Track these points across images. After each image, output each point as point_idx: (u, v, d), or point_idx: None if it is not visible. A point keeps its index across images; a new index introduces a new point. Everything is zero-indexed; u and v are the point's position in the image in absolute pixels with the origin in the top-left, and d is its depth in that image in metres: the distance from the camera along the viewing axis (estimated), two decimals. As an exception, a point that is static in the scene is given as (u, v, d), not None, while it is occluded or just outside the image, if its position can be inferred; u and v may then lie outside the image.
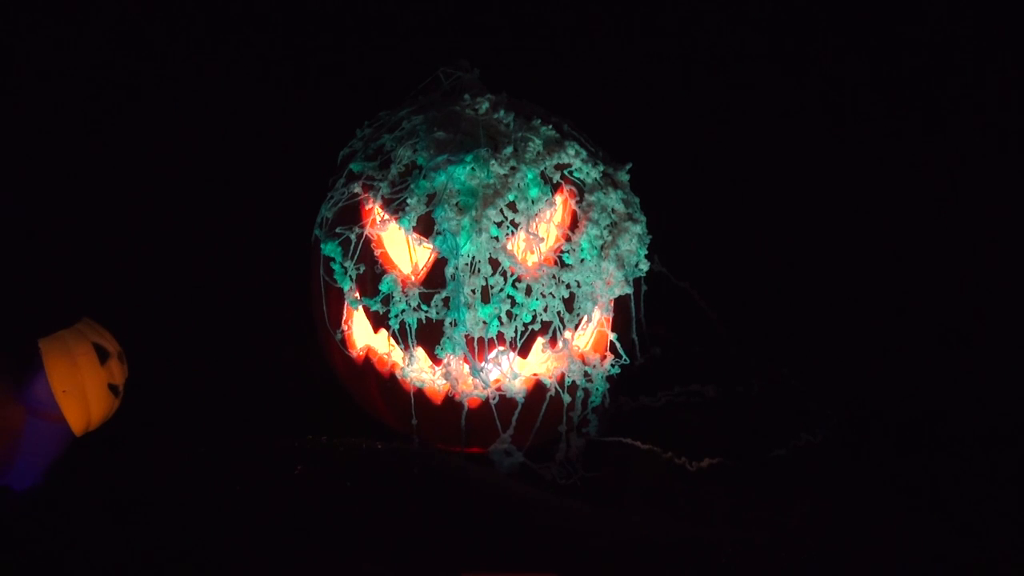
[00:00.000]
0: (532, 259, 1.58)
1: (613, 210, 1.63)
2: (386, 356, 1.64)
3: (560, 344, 1.59)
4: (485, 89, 1.68)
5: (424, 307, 1.56)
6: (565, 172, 1.62)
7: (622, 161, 1.71)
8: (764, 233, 2.12)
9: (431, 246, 1.56)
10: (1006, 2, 1.96)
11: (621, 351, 1.66)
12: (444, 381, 1.60)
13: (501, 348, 1.57)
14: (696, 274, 1.95)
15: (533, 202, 1.56)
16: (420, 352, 1.59)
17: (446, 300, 1.55)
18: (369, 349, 1.65)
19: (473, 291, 1.54)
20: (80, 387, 1.48)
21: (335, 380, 1.74)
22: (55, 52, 2.03)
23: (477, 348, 1.56)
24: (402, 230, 1.58)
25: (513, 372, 1.59)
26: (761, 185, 2.13)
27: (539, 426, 1.63)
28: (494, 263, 1.54)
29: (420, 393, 1.62)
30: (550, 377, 1.61)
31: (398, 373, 1.62)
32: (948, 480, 1.63)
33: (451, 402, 1.61)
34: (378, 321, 1.59)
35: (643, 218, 1.67)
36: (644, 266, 1.67)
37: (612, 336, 1.65)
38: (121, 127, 2.09)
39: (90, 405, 1.50)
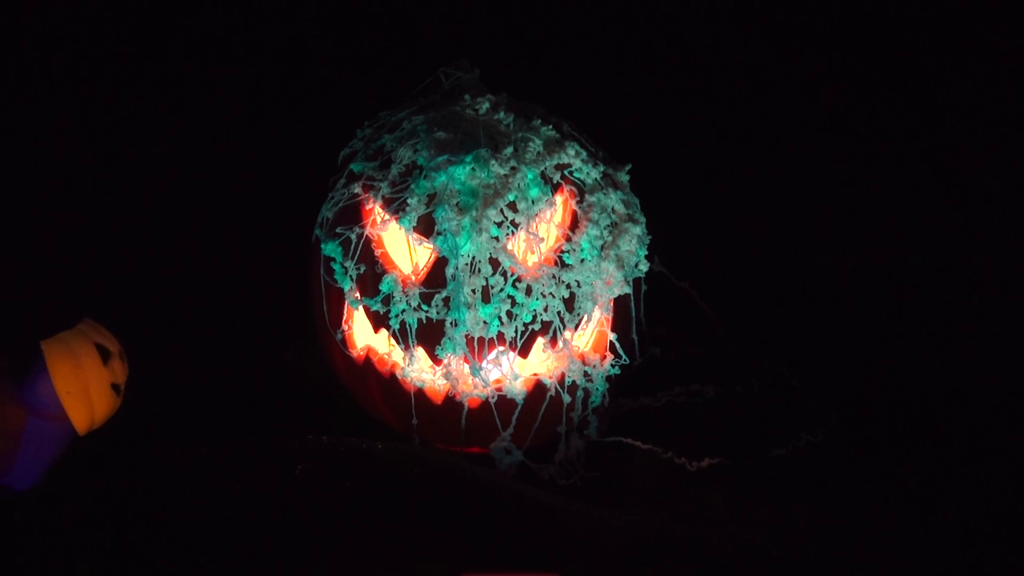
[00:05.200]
0: (532, 259, 1.58)
1: (613, 210, 1.63)
2: (386, 356, 1.64)
3: (560, 344, 1.60)
4: (485, 89, 1.69)
5: (424, 307, 1.56)
6: (565, 172, 1.62)
7: (622, 161, 1.71)
8: (764, 233, 2.12)
9: (431, 246, 1.56)
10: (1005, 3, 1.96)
11: (621, 351, 1.67)
12: (444, 381, 1.60)
13: (501, 348, 1.58)
14: (696, 274, 1.95)
15: (533, 202, 1.56)
16: (420, 352, 1.59)
17: (446, 300, 1.55)
18: (369, 349, 1.65)
19: (473, 291, 1.54)
20: (84, 388, 1.48)
21: (335, 380, 1.74)
22: (56, 52, 2.03)
23: (477, 348, 1.56)
24: (402, 230, 1.58)
25: (513, 373, 1.59)
26: (761, 185, 2.13)
27: (539, 426, 1.63)
28: (494, 263, 1.55)
29: (420, 393, 1.62)
30: (550, 377, 1.61)
31: (398, 373, 1.62)
32: (948, 480, 1.63)
33: (451, 402, 1.61)
34: (378, 321, 1.59)
35: (643, 219, 1.67)
36: (644, 266, 1.67)
37: (612, 336, 1.66)
38: (122, 127, 2.09)
39: (94, 405, 1.50)
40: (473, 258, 1.54)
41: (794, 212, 2.11)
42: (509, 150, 1.57)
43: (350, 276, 1.61)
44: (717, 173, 2.15)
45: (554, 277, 1.57)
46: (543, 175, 1.59)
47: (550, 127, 1.64)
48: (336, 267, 1.62)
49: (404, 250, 1.60)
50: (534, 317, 1.57)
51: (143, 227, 2.08)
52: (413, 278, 1.58)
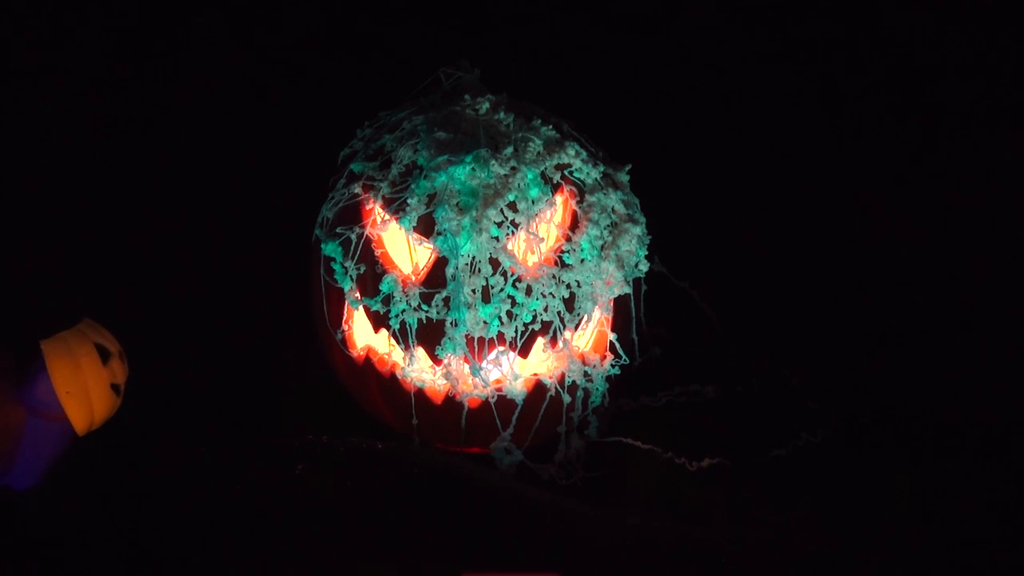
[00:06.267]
0: (532, 259, 1.58)
1: (613, 210, 1.63)
2: (386, 356, 1.64)
3: (560, 344, 1.60)
4: (485, 89, 1.69)
5: (424, 307, 1.56)
6: (565, 172, 1.62)
7: (622, 161, 1.71)
8: (764, 233, 2.12)
9: (431, 246, 1.56)
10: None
11: (621, 351, 1.67)
12: (444, 381, 1.60)
13: (501, 348, 1.58)
14: (696, 274, 1.95)
15: (533, 202, 1.56)
16: (420, 352, 1.59)
17: (446, 300, 1.55)
18: (369, 349, 1.65)
19: (473, 291, 1.54)
20: (83, 388, 1.48)
21: (335, 380, 1.74)
22: (55, 52, 2.03)
23: (477, 348, 1.56)
24: (403, 230, 1.58)
25: (513, 373, 1.59)
26: (761, 185, 2.13)
27: (539, 426, 1.63)
28: (494, 263, 1.55)
29: (420, 393, 1.62)
30: (550, 377, 1.61)
31: (398, 373, 1.62)
32: (948, 480, 1.63)
33: (451, 402, 1.61)
34: (378, 321, 1.59)
35: (643, 219, 1.67)
36: (644, 267, 1.67)
37: (612, 336, 1.66)
38: (122, 127, 2.09)
39: (93, 405, 1.50)
40: (473, 258, 1.54)
41: (794, 212, 2.11)
42: (509, 150, 1.57)
43: (350, 276, 1.61)
44: (717, 173, 2.15)
45: (554, 277, 1.57)
46: (543, 175, 1.59)
47: (550, 127, 1.64)
48: (336, 267, 1.62)
49: (404, 250, 1.60)
50: (534, 317, 1.57)
51: (143, 227, 2.08)
52: (413, 278, 1.58)
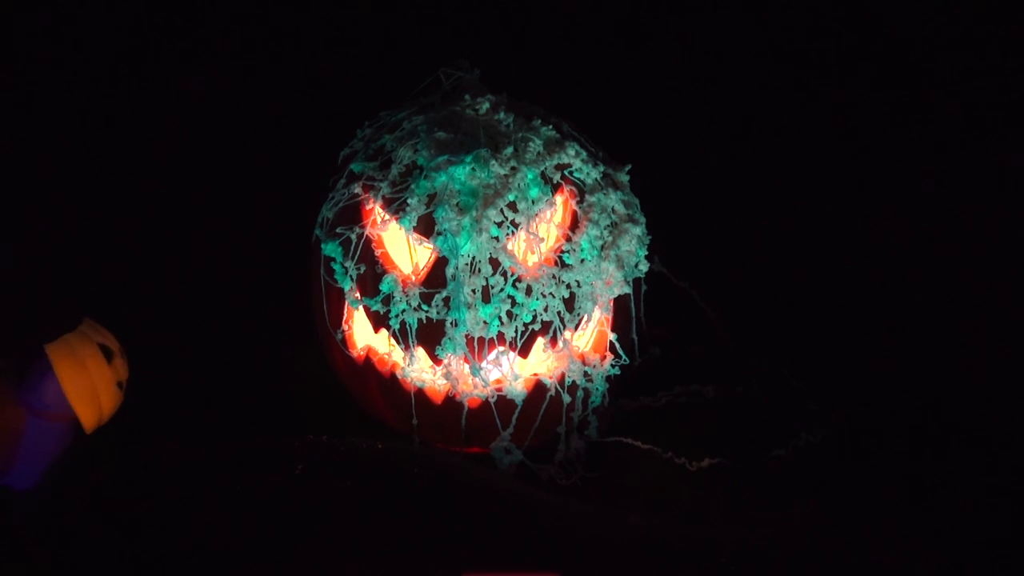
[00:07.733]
0: (532, 259, 1.58)
1: (613, 210, 1.63)
2: (386, 356, 1.64)
3: (560, 344, 1.60)
4: (485, 90, 1.69)
5: (424, 307, 1.56)
6: (565, 172, 1.62)
7: (622, 161, 1.71)
8: (764, 233, 2.12)
9: (431, 246, 1.56)
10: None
11: (621, 351, 1.67)
12: (444, 381, 1.60)
13: (501, 348, 1.58)
14: (696, 274, 1.95)
15: (533, 202, 1.56)
16: (420, 352, 1.59)
17: (446, 300, 1.55)
18: (369, 349, 1.65)
19: (473, 291, 1.54)
20: (91, 388, 1.49)
21: (335, 380, 1.74)
22: (54, 51, 2.03)
23: (477, 348, 1.56)
24: (403, 230, 1.58)
25: (513, 373, 1.59)
26: (761, 185, 2.13)
27: (539, 426, 1.64)
28: (494, 263, 1.55)
29: (420, 393, 1.62)
30: (550, 377, 1.61)
31: (399, 373, 1.62)
32: (948, 480, 1.63)
33: (451, 402, 1.61)
34: (378, 321, 1.59)
35: (643, 219, 1.67)
36: (644, 267, 1.67)
37: (612, 336, 1.66)
38: (121, 128, 2.09)
39: (101, 404, 1.51)
40: (473, 258, 1.54)
41: (794, 212, 2.11)
42: (509, 150, 1.57)
43: (350, 276, 1.61)
44: (717, 173, 2.15)
45: (554, 277, 1.57)
46: (543, 175, 1.59)
47: (550, 127, 1.64)
48: (336, 267, 1.62)
49: (404, 250, 1.60)
50: (534, 317, 1.57)
51: (143, 227, 2.08)
52: (413, 278, 1.58)
